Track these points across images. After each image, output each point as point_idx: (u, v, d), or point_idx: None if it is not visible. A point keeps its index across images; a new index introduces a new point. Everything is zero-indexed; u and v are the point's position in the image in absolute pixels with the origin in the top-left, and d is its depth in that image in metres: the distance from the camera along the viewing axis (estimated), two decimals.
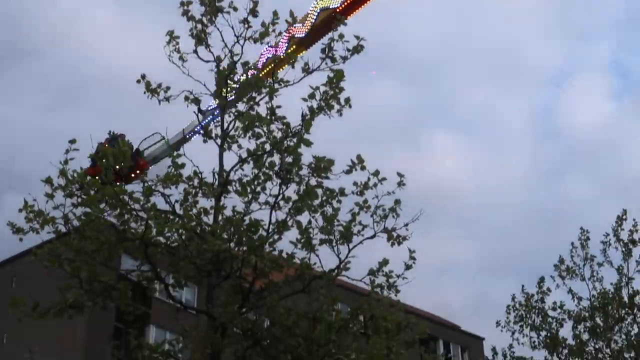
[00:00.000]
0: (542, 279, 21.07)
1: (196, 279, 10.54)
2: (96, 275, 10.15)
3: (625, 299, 19.81)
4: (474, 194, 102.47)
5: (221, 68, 10.82)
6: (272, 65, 11.62)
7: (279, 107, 10.34)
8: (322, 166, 9.83)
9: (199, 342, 10.10)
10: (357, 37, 10.35)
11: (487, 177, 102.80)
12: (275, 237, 10.03)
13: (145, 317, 28.17)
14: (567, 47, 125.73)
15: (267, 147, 10.15)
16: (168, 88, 11.04)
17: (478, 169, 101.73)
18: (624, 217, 21.00)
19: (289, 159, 9.94)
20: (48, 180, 9.99)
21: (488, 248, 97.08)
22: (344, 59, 10.52)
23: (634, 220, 20.84)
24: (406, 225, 10.16)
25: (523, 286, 21.35)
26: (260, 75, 11.32)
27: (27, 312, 10.32)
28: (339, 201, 10.14)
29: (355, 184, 10.18)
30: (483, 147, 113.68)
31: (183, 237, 9.97)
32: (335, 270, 10.22)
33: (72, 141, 10.11)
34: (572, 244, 21.40)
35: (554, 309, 20.78)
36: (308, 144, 9.99)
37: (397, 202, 10.14)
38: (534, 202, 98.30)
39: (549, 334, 20.26)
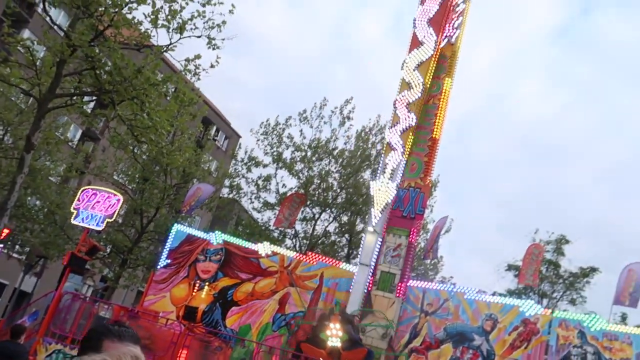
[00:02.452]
0: (289, 117, 28.97)
1: (69, 6, 13.69)
2: None
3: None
4: None
5: None
6: None
7: None
8: None
9: (55, 51, 13.66)
10: None
11: None
12: (135, 5, 13.59)
13: (24, 21, 30.62)
14: None
15: None
16: None
17: None
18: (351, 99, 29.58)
19: None
20: None
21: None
22: None
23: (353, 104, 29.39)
24: (222, 39, 14.32)
25: (278, 116, 29.71)
26: None
27: None
28: (187, 3, 13.76)
29: None
30: None
31: None
32: (165, 48, 14.28)
33: None
34: (315, 103, 29.42)
35: (288, 137, 28.63)
36: None
37: (224, 22, 14.28)
38: None
39: (276, 151, 28.30)
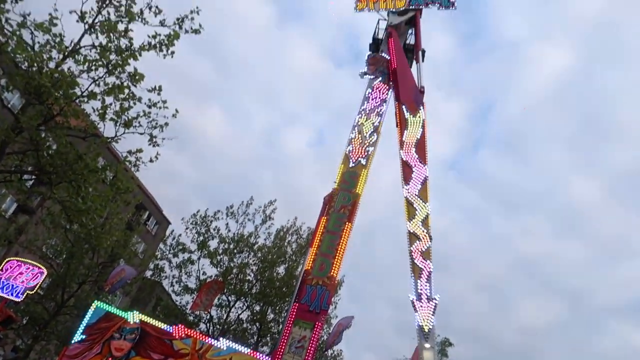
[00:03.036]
0: (217, 211, 29.13)
1: (22, 94, 13.43)
2: None
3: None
4: None
5: None
6: None
7: (131, 30, 13.62)
8: (136, 77, 13.57)
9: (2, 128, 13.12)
10: (200, 26, 14.31)
11: None
12: (85, 99, 13.49)
13: None
14: None
15: (112, 47, 13.58)
16: None
17: None
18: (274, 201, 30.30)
19: (120, 61, 13.47)
20: None
21: None
22: (186, 31, 14.16)
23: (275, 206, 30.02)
24: (163, 139, 14.33)
25: (207, 209, 29.60)
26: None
27: None
28: (135, 103, 13.85)
29: (149, 100, 14.04)
30: None
31: (29, 65, 12.82)
32: (110, 139, 14.07)
33: None
34: (242, 201, 29.71)
35: (214, 229, 28.50)
36: (135, 58, 13.61)
37: (166, 124, 14.36)
38: None
39: (203, 239, 27.95)
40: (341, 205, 16.35)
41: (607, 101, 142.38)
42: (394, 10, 21.47)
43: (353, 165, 17.38)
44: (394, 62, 19.80)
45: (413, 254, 15.82)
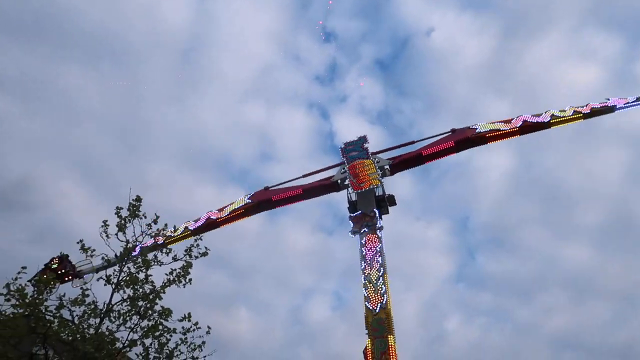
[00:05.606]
0: None
1: None
2: (6, 352, 12.25)
3: None
4: None
5: (127, 246, 14.06)
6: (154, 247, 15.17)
7: (150, 275, 13.91)
8: (165, 313, 13.45)
9: None
10: (206, 248, 14.76)
11: None
12: (127, 349, 13.16)
13: None
14: None
15: (139, 295, 13.67)
16: (93, 250, 13.82)
17: None
18: None
19: (148, 305, 13.48)
20: None
21: None
22: (195, 257, 14.53)
23: None
24: (204, 356, 13.75)
25: None
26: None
27: None
28: (171, 335, 13.46)
29: (182, 327, 13.70)
30: None
31: (72, 338, 12.70)
32: None
33: (24, 267, 12.99)
34: None
35: None
36: (160, 298, 13.65)
37: (203, 342, 13.87)
38: None
39: None
40: (380, 352, 15.45)
41: (551, 172, 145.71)
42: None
43: (376, 312, 16.83)
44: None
45: None
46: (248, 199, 23.14)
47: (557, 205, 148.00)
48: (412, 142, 24.37)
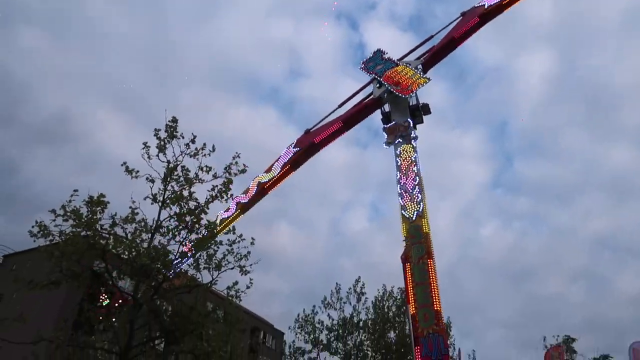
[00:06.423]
0: (314, 307, 28.92)
1: (131, 276, 14.10)
2: (70, 267, 13.24)
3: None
4: None
5: (169, 166, 14.38)
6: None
7: (194, 192, 14.33)
8: (211, 226, 14.06)
9: (126, 312, 13.67)
10: (244, 165, 14.92)
11: None
12: (180, 260, 13.98)
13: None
14: None
15: (185, 211, 14.21)
16: (137, 172, 14.13)
17: None
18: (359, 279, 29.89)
19: (194, 219, 14.04)
20: (52, 211, 12.99)
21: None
22: (234, 174, 14.72)
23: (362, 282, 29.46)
24: (250, 265, 14.46)
25: (304, 309, 29.09)
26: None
27: (24, 285, 12.80)
28: (218, 247, 14.16)
29: (228, 240, 14.33)
30: None
31: (128, 253, 13.56)
32: (209, 284, 14.35)
33: (75, 190, 13.63)
34: (331, 291, 29.45)
35: (318, 322, 28.24)
36: (205, 212, 14.17)
37: (249, 252, 14.52)
38: None
39: (313, 337, 27.64)
40: (418, 257, 15.84)
41: (599, 71, 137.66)
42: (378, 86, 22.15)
43: (413, 219, 17.03)
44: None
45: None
46: (294, 147, 21.88)
47: (601, 106, 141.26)
48: (431, 37, 23.04)
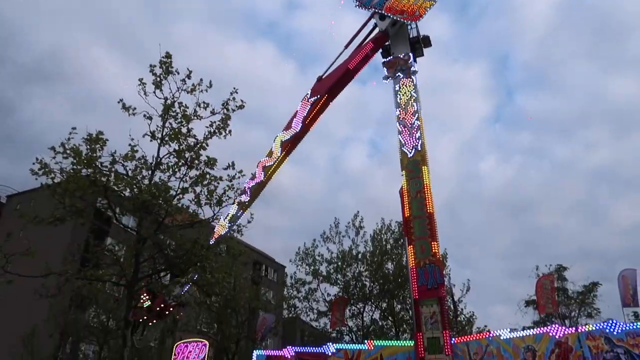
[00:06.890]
0: (314, 240, 29.36)
1: (134, 213, 14.31)
2: (74, 203, 13.49)
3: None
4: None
5: (166, 103, 14.28)
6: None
7: (192, 128, 14.28)
8: (210, 162, 14.07)
9: (131, 247, 14.03)
10: (242, 101, 14.67)
11: None
12: (180, 196, 14.07)
13: (105, 232, 31.31)
14: None
15: (184, 147, 14.17)
16: (134, 109, 14.08)
17: None
18: (358, 213, 30.20)
19: (194, 155, 14.03)
20: (52, 149, 12.98)
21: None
22: (232, 110, 14.61)
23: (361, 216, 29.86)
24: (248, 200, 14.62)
25: (304, 243, 30.70)
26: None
27: (30, 220, 13.03)
28: (218, 183, 14.22)
29: (228, 175, 14.38)
30: None
31: (129, 190, 13.69)
32: (211, 219, 14.58)
33: (74, 128, 13.44)
34: (330, 225, 29.81)
35: (319, 256, 28.77)
36: (204, 148, 14.16)
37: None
38: None
39: (313, 268, 28.25)
40: (416, 191, 15.98)
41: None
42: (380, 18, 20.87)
43: (411, 155, 17.01)
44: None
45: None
46: (310, 97, 19.84)
47: (608, 36, 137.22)
48: None
